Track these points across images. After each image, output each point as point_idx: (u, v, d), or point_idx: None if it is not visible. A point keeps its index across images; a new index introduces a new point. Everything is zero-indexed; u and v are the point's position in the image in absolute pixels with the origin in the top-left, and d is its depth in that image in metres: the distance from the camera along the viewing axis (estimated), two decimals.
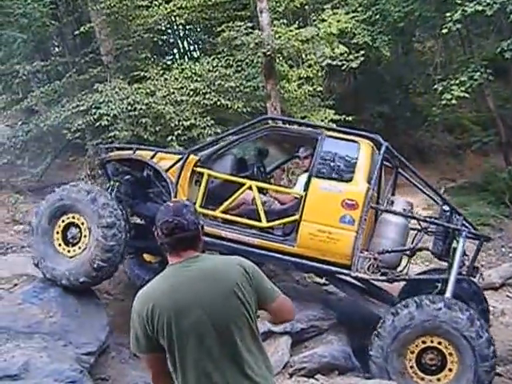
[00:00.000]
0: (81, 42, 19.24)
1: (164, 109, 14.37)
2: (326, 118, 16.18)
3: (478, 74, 16.63)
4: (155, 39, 18.15)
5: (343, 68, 16.55)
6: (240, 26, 14.95)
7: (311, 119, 16.20)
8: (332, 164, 8.06)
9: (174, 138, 14.34)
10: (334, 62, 15.94)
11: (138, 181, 8.80)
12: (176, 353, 3.49)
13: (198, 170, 8.31)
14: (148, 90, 14.83)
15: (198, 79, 15.39)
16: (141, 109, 14.30)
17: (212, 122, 14.70)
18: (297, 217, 7.99)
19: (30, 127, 16.47)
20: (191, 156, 8.38)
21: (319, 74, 17.23)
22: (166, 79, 15.45)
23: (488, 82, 17.69)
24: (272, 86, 14.54)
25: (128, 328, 3.65)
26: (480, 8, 15.19)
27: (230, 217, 8.31)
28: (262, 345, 3.70)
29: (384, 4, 19.07)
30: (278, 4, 17.28)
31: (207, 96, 14.91)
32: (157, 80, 15.40)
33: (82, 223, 8.11)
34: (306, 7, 19.31)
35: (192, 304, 3.47)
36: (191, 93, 14.94)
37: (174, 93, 14.81)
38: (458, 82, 16.45)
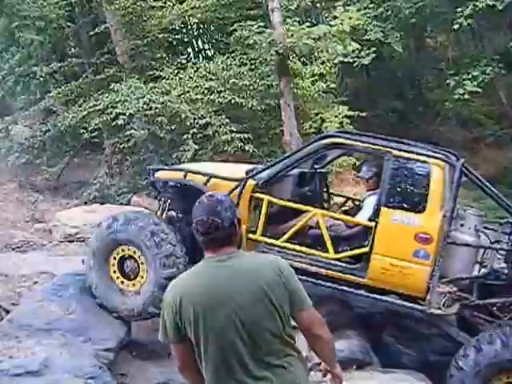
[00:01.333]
0: (96, 43, 19.31)
1: (179, 107, 14.41)
2: (339, 113, 16.16)
3: (490, 68, 16.58)
4: (170, 39, 18.18)
5: (355, 65, 16.48)
6: (252, 26, 14.93)
7: (325, 115, 16.18)
8: (402, 191, 7.34)
9: (189, 136, 14.36)
10: (346, 60, 15.87)
11: (189, 191, 7.86)
12: (201, 346, 3.48)
13: (257, 195, 7.60)
14: (163, 89, 14.88)
15: (213, 78, 15.43)
16: (156, 108, 14.35)
17: (227, 120, 14.72)
18: (367, 249, 7.37)
19: (48, 127, 16.61)
20: (249, 182, 7.67)
21: (332, 71, 17.20)
22: (180, 78, 15.49)
23: (500, 75, 17.61)
24: (285, 83, 14.51)
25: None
26: (491, 3, 15.16)
27: (295, 246, 7.63)
28: (294, 344, 3.63)
29: (395, 0, 19.02)
30: (291, 2, 17.25)
31: (222, 94, 14.96)
32: (172, 79, 15.45)
33: (139, 256, 7.59)
34: (318, 5, 19.27)
35: (222, 301, 3.45)
36: (206, 91, 14.98)
37: (188, 91, 14.85)
38: (470, 76, 16.41)
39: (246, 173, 7.74)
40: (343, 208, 9.40)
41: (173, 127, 14.94)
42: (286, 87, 14.55)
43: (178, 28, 19.32)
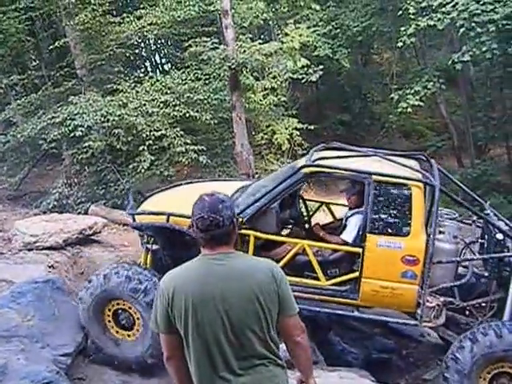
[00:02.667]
0: (56, 56, 19.16)
1: (136, 120, 14.35)
2: (289, 126, 16.30)
3: (432, 83, 16.87)
4: (127, 53, 18.11)
5: (303, 81, 16.66)
6: (206, 42, 14.99)
7: (276, 127, 16.32)
8: (385, 216, 7.16)
9: (145, 147, 14.35)
10: (295, 76, 16.03)
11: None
12: (189, 339, 3.52)
13: (243, 232, 7.29)
14: (120, 102, 14.79)
15: (168, 92, 15.40)
16: (113, 120, 14.27)
17: (182, 132, 14.76)
18: (356, 274, 7.28)
19: (7, 138, 16.38)
20: None
21: (283, 85, 17.36)
22: (137, 92, 15.42)
23: (441, 90, 17.98)
24: (237, 97, 14.61)
25: None
26: (432, 22, 15.41)
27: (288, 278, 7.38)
28: (277, 350, 3.67)
29: (343, 19, 19.34)
30: (244, 20, 17.35)
31: (177, 108, 14.91)
32: (129, 92, 15.37)
33: (130, 307, 7.46)
34: (270, 22, 19.43)
35: (213, 298, 3.47)
36: (162, 105, 14.93)
37: (145, 105, 14.79)
38: (412, 91, 16.68)
39: None
40: (315, 214, 9.46)
41: (129, 139, 14.89)
42: (237, 101, 14.63)
43: (135, 43, 19.30)
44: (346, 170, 7.32)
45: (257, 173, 14.90)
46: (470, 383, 6.90)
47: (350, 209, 8.05)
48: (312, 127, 16.32)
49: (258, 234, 7.30)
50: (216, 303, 3.47)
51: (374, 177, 7.16)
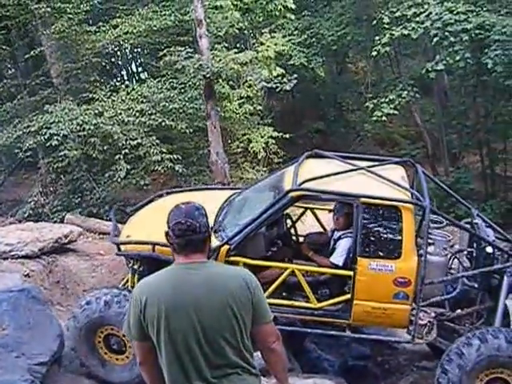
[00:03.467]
0: (32, 65, 19.16)
1: (112, 129, 14.34)
2: (265, 134, 16.35)
3: (406, 92, 17.06)
4: (103, 62, 18.10)
5: (279, 90, 16.73)
6: (181, 51, 15.00)
7: (252, 136, 16.36)
8: (376, 239, 7.05)
9: (121, 156, 14.36)
10: (269, 85, 16.09)
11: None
12: (161, 346, 3.54)
13: (232, 259, 7.22)
14: (96, 111, 14.78)
15: (144, 101, 15.41)
16: (89, 129, 14.25)
17: (157, 141, 14.81)
18: (348, 296, 7.25)
19: None
20: (222, 248, 7.28)
21: (258, 94, 17.41)
22: (113, 100, 15.42)
23: (415, 99, 18.15)
24: (212, 106, 14.62)
25: None
26: (406, 32, 15.59)
27: (278, 301, 7.33)
28: (250, 358, 3.70)
29: (318, 28, 19.49)
30: (219, 29, 17.41)
31: (152, 117, 14.94)
32: (105, 101, 15.36)
33: (123, 336, 7.30)
34: (246, 31, 19.49)
35: (186, 306, 3.50)
36: (137, 114, 14.94)
37: (121, 113, 14.79)
38: (387, 99, 16.85)
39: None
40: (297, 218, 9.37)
41: (105, 148, 14.90)
42: (212, 110, 14.64)
43: (112, 52, 19.29)
44: (333, 193, 7.26)
45: (232, 181, 14.92)
46: (467, 381, 6.93)
47: (337, 229, 7.98)
48: (288, 136, 16.36)
49: (248, 261, 7.18)
50: (188, 311, 3.51)
51: (363, 199, 7.03)
